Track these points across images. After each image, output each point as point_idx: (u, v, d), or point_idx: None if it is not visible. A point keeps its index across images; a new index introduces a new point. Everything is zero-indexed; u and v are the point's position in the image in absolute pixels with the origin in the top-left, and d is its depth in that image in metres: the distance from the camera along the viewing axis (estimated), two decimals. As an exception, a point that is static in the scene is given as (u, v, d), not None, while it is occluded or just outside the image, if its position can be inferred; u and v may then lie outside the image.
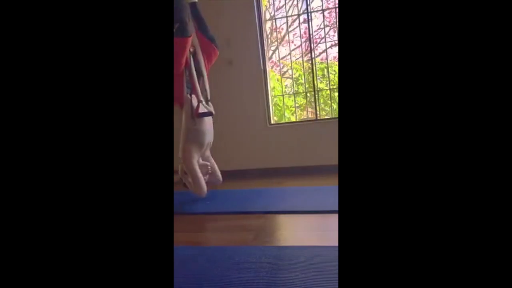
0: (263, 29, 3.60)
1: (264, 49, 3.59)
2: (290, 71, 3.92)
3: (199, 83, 2.60)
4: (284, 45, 3.80)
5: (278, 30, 3.81)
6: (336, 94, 3.43)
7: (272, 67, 3.83)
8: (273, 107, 3.76)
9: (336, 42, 3.68)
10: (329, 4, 3.63)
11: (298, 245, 1.61)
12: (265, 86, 3.59)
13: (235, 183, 3.25)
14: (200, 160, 2.62)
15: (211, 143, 2.72)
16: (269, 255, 1.48)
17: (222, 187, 3.19)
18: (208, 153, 2.73)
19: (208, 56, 2.72)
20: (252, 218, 2.11)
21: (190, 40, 2.44)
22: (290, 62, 3.77)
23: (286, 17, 3.70)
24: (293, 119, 3.91)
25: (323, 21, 3.51)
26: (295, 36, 3.72)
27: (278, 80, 3.88)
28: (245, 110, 3.58)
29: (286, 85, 3.95)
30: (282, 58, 3.85)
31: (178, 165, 2.64)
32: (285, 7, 3.70)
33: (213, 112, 2.63)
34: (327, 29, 3.61)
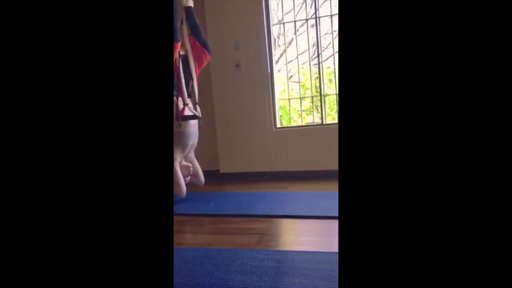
0: (271, 32, 3.62)
1: (271, 53, 3.60)
2: (296, 75, 3.93)
3: (188, 87, 2.70)
4: (292, 49, 3.81)
5: (285, 34, 3.82)
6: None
7: (279, 71, 3.83)
8: (279, 111, 3.77)
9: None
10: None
11: (302, 250, 1.61)
12: (272, 90, 3.60)
13: (240, 185, 3.25)
14: (183, 162, 2.71)
15: (195, 144, 2.80)
16: (272, 259, 1.48)
17: (226, 190, 3.19)
18: (192, 154, 2.81)
19: (199, 60, 2.81)
20: (256, 221, 2.11)
21: (179, 45, 2.54)
22: (297, 66, 3.77)
23: (294, 21, 3.70)
24: (299, 123, 3.91)
25: (331, 26, 3.51)
26: (302, 40, 3.73)
27: (284, 84, 3.89)
28: (251, 113, 3.59)
29: (292, 89, 3.96)
30: (289, 62, 3.86)
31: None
32: (294, 11, 3.71)
33: (199, 115, 2.73)
34: (334, 34, 3.60)
